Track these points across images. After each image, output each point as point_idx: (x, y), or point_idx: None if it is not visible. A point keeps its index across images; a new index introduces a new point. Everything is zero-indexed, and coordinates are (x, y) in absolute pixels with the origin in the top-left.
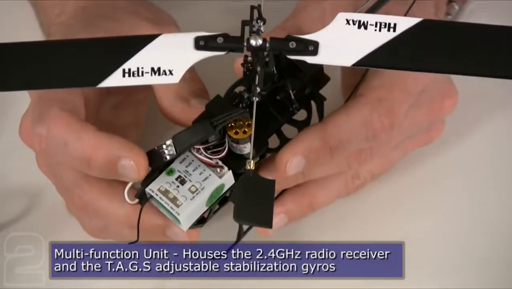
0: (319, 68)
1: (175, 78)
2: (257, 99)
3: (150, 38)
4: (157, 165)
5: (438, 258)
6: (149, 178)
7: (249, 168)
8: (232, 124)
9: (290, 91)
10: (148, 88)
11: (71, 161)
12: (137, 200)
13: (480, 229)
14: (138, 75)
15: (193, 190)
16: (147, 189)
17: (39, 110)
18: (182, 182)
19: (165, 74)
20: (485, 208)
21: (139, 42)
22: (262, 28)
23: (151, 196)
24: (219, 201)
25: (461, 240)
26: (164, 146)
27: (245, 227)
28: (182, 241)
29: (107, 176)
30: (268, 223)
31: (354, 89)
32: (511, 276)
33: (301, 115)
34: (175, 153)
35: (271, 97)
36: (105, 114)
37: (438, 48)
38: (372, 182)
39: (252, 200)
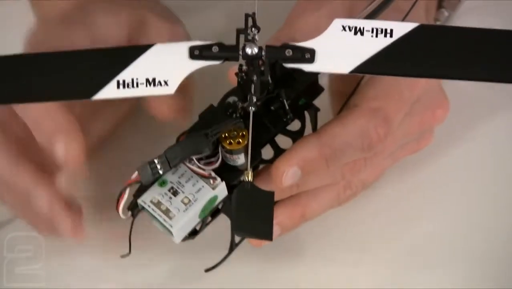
0: (314, 78)
1: (171, 89)
2: (253, 109)
3: (143, 49)
4: (150, 181)
5: (437, 260)
6: (142, 190)
7: (247, 179)
8: (226, 134)
9: (285, 101)
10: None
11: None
12: (130, 214)
13: (477, 232)
14: (133, 86)
15: (186, 202)
16: (139, 200)
17: None
18: (175, 193)
19: (161, 85)
20: (481, 210)
21: (133, 52)
22: (256, 37)
23: (143, 208)
24: (211, 212)
25: (458, 244)
26: (156, 160)
27: (237, 239)
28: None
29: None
30: (268, 236)
31: (348, 99)
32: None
33: (295, 125)
34: (168, 167)
35: (264, 107)
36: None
37: (436, 53)
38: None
39: (251, 212)
